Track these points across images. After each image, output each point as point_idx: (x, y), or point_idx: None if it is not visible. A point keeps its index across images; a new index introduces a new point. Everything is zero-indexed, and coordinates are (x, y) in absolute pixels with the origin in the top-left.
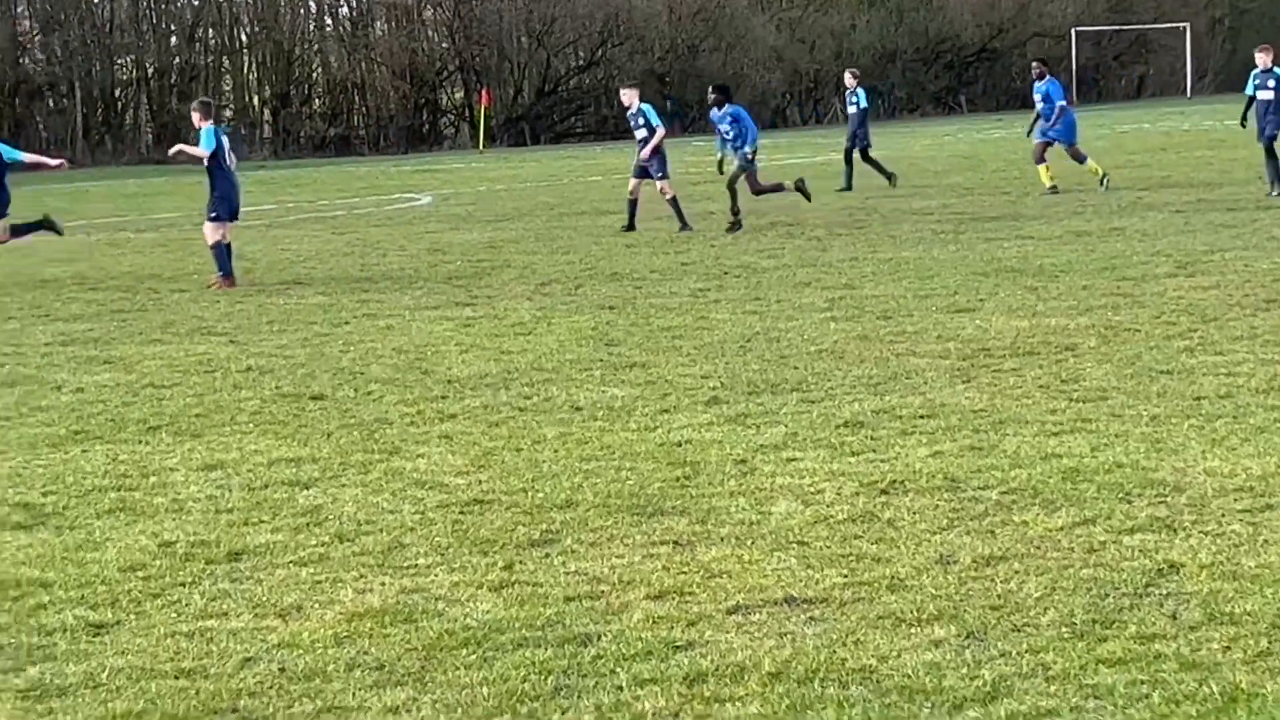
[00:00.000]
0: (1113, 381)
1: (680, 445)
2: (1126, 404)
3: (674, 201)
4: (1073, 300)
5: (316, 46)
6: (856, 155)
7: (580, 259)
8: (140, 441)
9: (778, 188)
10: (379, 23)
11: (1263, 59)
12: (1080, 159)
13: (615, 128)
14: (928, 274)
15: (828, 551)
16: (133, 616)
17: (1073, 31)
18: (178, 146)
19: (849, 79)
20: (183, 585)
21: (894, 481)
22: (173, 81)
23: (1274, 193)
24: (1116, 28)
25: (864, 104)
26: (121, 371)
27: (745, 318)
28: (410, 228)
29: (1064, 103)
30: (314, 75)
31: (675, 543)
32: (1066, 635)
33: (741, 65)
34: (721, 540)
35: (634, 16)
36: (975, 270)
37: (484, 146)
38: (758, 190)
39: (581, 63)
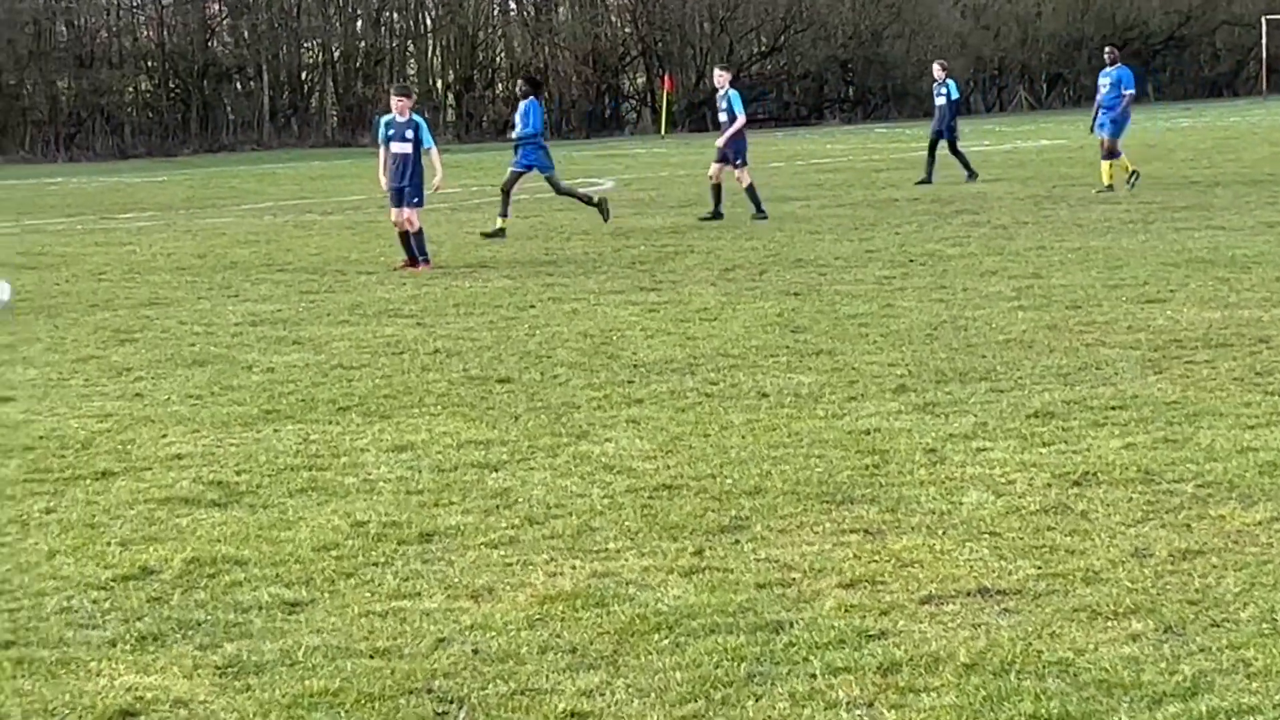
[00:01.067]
0: None
1: (868, 433)
2: None
3: (750, 189)
4: (1266, 292)
5: (500, 31)
6: (943, 147)
7: (763, 245)
8: (330, 422)
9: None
10: (562, 8)
11: None
12: (1115, 155)
13: (797, 114)
14: (1116, 264)
15: (1020, 543)
16: (326, 595)
17: (1263, 19)
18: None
19: (938, 70)
20: (375, 565)
21: (1086, 473)
22: (358, 65)
23: None
24: None
25: (954, 95)
26: (310, 352)
27: (931, 306)
28: (594, 212)
29: (1133, 92)
30: (497, 60)
31: (865, 531)
32: (1267, 631)
33: (925, 52)
34: (912, 529)
35: (817, 3)
36: (1165, 260)
37: (666, 132)
38: (505, 189)
39: (764, 49)
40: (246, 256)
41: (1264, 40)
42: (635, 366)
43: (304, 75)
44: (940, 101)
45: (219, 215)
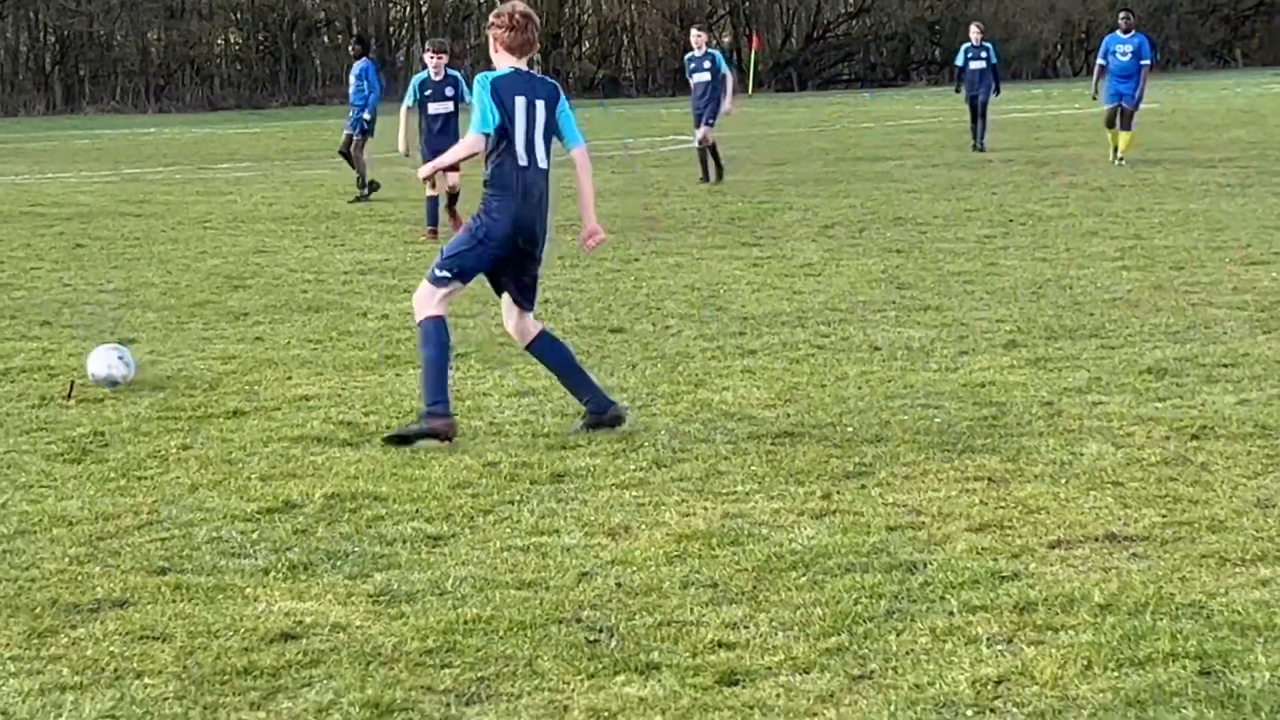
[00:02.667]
0: None
1: (983, 386)
2: None
3: (712, 149)
4: None
5: None
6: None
7: (861, 203)
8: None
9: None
10: None
11: None
12: (1128, 126)
13: (883, 75)
14: (1218, 226)
15: (1144, 492)
16: (467, 530)
17: None
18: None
19: (975, 33)
20: (511, 503)
21: (1204, 427)
22: (446, 20)
23: None
24: None
25: (994, 59)
26: None
27: (1035, 264)
28: (687, 169)
29: (1149, 62)
30: (585, 17)
31: (989, 479)
32: None
33: (1013, 14)
34: (1035, 478)
35: None
36: (1267, 224)
37: (752, 91)
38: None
39: (851, 9)
40: (347, 207)
41: None
42: (744, 319)
43: (391, 30)
44: (978, 65)
45: (313, 167)
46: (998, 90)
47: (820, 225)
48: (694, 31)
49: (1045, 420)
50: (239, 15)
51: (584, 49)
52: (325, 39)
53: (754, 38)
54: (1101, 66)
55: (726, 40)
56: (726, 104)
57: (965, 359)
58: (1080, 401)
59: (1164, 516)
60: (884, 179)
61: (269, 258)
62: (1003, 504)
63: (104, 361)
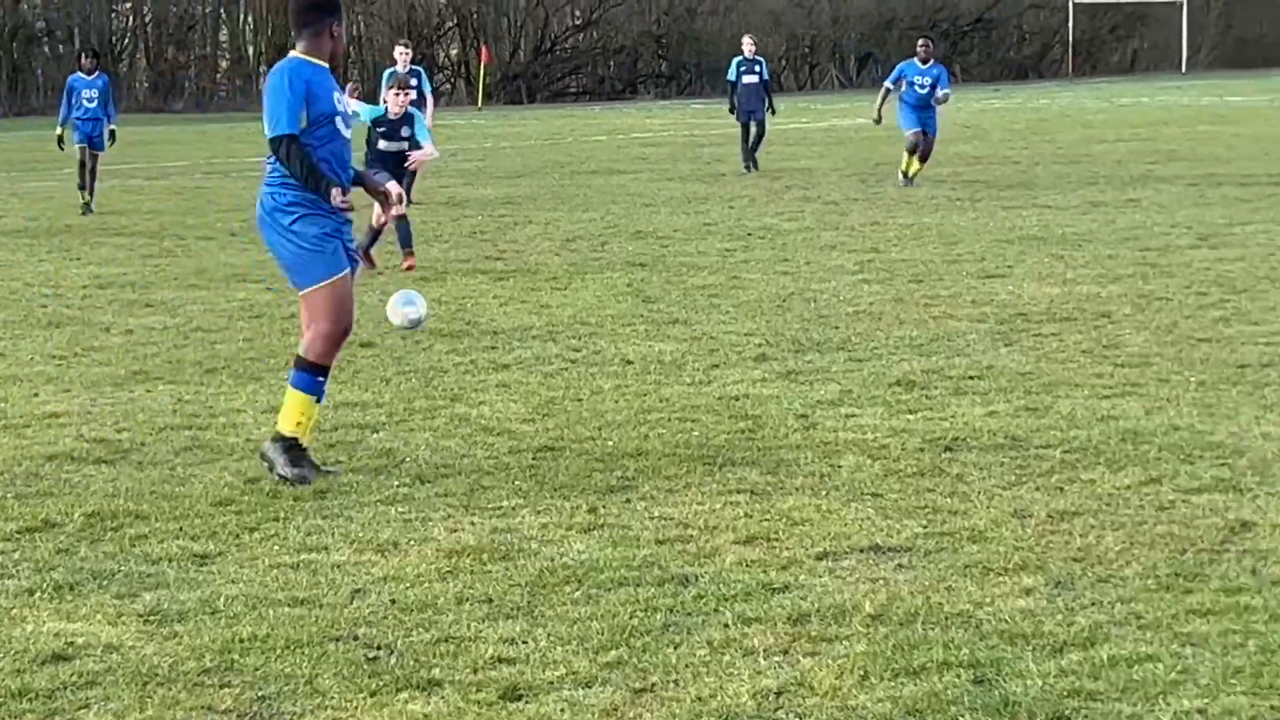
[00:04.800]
0: (1154, 348)
1: (738, 399)
2: (1171, 370)
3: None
4: (1101, 269)
5: None
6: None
7: (600, 216)
8: (201, 383)
9: None
10: None
11: None
12: (926, 158)
13: (611, 88)
14: (952, 240)
15: (903, 503)
16: (234, 548)
17: (1070, 2)
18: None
19: (748, 46)
20: (276, 520)
21: (956, 439)
22: (170, 31)
23: None
24: (1115, 1)
25: (766, 75)
26: (166, 315)
27: (778, 278)
28: (422, 182)
29: (948, 91)
30: None
31: (751, 492)
32: (1153, 587)
33: (739, 28)
34: (796, 490)
35: None
36: (999, 238)
37: (482, 104)
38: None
39: (579, 22)
40: (80, 220)
41: (1070, 23)
42: (495, 333)
43: (114, 40)
44: (751, 80)
45: (41, 179)
46: (773, 109)
47: (562, 239)
48: (399, 48)
49: (801, 433)
50: None
51: None
52: (47, 49)
53: (483, 50)
54: (888, 90)
55: (455, 53)
56: (427, 121)
57: (718, 372)
58: (834, 414)
59: (925, 527)
60: (621, 192)
61: (3, 271)
62: (767, 516)
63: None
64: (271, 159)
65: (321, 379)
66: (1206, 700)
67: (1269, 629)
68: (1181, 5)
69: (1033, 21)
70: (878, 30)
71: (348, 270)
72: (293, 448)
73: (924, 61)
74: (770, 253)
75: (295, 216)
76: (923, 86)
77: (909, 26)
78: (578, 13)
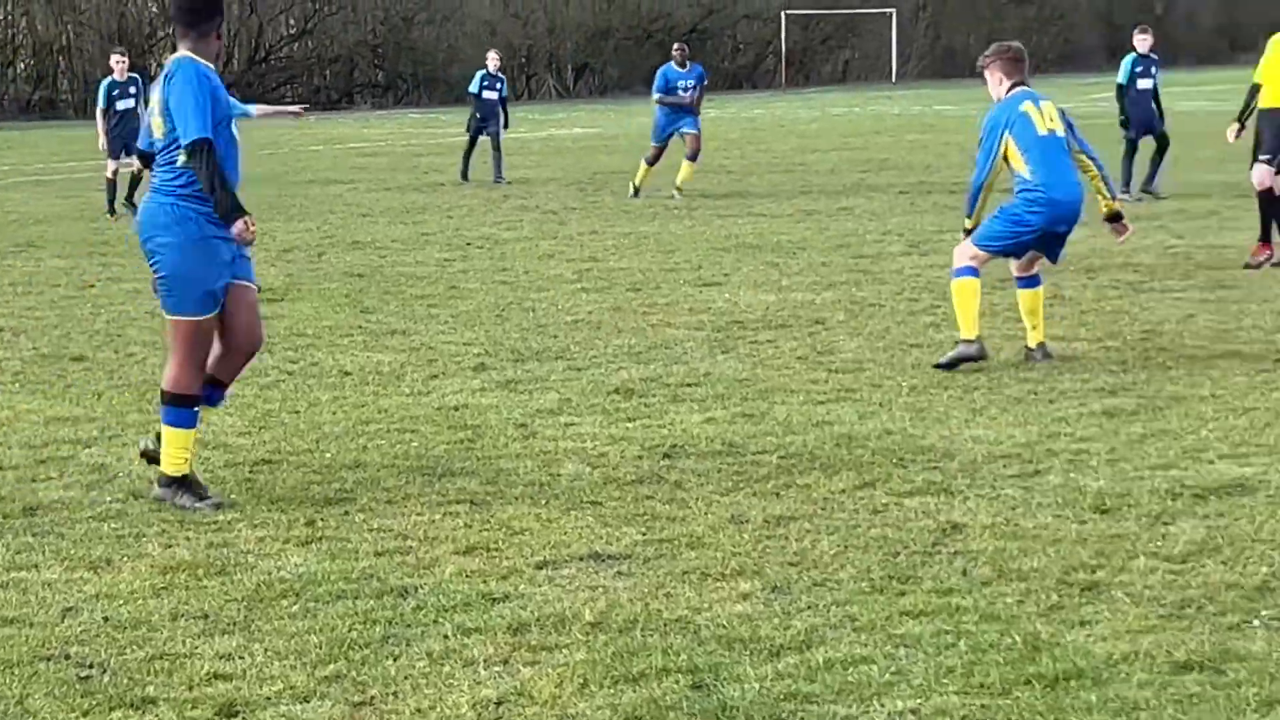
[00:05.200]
0: (867, 354)
1: (457, 409)
2: (884, 375)
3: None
4: (815, 276)
5: (23, 9)
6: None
7: (317, 227)
8: None
9: None
10: None
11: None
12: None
13: (328, 98)
14: (669, 248)
15: (622, 511)
16: None
17: (783, 14)
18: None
19: (493, 60)
20: None
21: (674, 446)
22: None
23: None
24: (825, 12)
25: (504, 91)
26: None
27: (497, 288)
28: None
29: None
30: (18, 38)
31: (471, 502)
32: (867, 589)
33: (456, 38)
34: (516, 500)
35: None
36: (715, 246)
37: None
38: None
39: (294, 31)
40: None
41: (783, 34)
42: None
43: None
44: (491, 96)
45: None
46: (507, 124)
47: (278, 249)
48: (114, 57)
49: (521, 442)
50: None
51: (19, 70)
52: None
53: None
54: (661, 99)
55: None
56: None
57: (436, 383)
58: (553, 423)
59: (644, 534)
60: (338, 202)
61: None
62: (487, 526)
63: None
64: (169, 164)
65: (193, 409)
66: (919, 700)
67: (979, 629)
68: (891, 17)
69: (746, 32)
70: (594, 40)
71: (215, 314)
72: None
73: (681, 65)
74: (489, 262)
75: (185, 237)
76: (685, 90)
77: (624, 36)
78: (292, 22)
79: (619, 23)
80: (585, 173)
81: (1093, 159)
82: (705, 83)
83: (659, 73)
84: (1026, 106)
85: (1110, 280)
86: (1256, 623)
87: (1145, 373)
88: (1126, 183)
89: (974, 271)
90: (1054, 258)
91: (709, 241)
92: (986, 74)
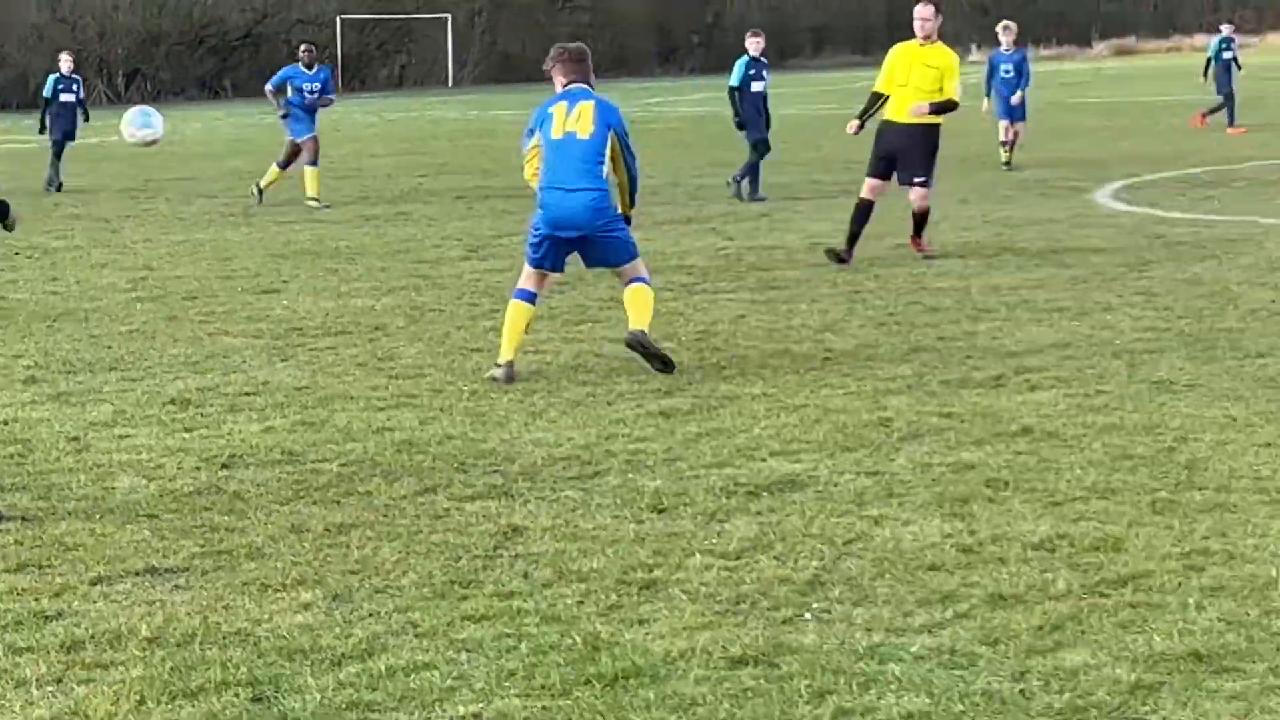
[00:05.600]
0: (428, 359)
1: (7, 424)
2: (445, 380)
3: None
4: (374, 281)
5: None
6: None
7: None
8: None
9: None
10: None
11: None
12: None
13: None
14: (226, 256)
15: (180, 523)
16: None
17: (338, 19)
18: None
19: (66, 64)
20: None
21: (233, 456)
22: None
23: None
24: (381, 16)
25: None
26: None
27: (47, 298)
28: None
29: (334, 97)
30: None
31: (23, 518)
32: (429, 595)
33: (2, 44)
34: (69, 515)
35: None
36: (273, 252)
37: None
38: None
39: None
40: None
41: (339, 39)
42: None
43: None
44: (69, 99)
45: None
46: (88, 118)
47: None
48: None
49: (73, 456)
50: None
51: None
52: None
53: None
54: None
55: None
56: None
57: None
58: (107, 435)
59: (202, 546)
60: None
61: None
62: (39, 543)
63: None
64: None
65: None
66: (481, 704)
67: (540, 630)
68: (447, 22)
69: (301, 37)
70: (145, 46)
71: None
72: None
73: (309, 67)
74: (39, 272)
75: None
76: (311, 92)
77: (176, 42)
78: None
79: (171, 28)
80: (138, 180)
81: (628, 166)
82: (329, 92)
83: (280, 72)
84: (555, 107)
85: (665, 283)
86: (808, 616)
87: (700, 373)
88: (755, 183)
89: (526, 295)
90: (574, 264)
91: (266, 248)
92: (554, 76)
